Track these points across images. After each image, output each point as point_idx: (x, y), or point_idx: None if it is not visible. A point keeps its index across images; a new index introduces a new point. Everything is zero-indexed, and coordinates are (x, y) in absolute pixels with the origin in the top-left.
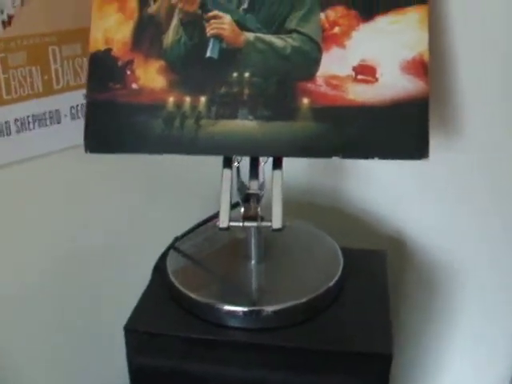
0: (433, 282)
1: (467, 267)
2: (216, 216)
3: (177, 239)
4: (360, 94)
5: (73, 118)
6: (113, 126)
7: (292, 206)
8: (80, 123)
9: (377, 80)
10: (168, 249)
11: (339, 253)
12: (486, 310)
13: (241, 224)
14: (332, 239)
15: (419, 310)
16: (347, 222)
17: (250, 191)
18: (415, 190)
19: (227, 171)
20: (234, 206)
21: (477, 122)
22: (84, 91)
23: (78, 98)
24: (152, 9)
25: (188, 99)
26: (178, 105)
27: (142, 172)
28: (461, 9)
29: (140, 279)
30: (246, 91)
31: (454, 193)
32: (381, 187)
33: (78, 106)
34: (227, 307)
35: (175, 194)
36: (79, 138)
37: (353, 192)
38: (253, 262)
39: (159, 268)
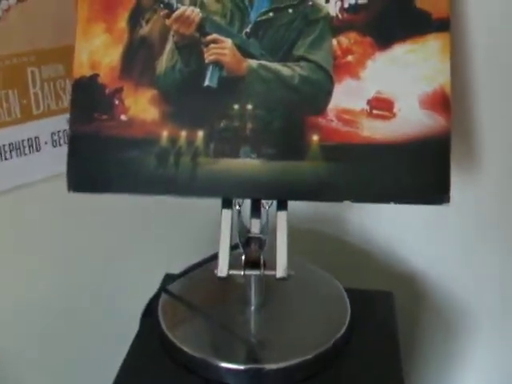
0: (448, 326)
1: (484, 308)
2: (214, 257)
3: (167, 280)
4: (376, 130)
5: (54, 145)
6: (98, 162)
7: (293, 237)
8: (62, 150)
9: (394, 115)
10: (158, 292)
11: (346, 299)
12: (503, 355)
13: (242, 273)
14: (336, 280)
15: (433, 355)
16: (352, 256)
17: (252, 234)
18: (428, 224)
19: (227, 212)
20: (232, 247)
21: (496, 157)
22: (67, 116)
23: (60, 123)
24: (144, 30)
25: (184, 134)
26: (173, 140)
27: (133, 202)
28: (485, 36)
29: (127, 326)
30: (249, 126)
31: (471, 230)
32: (390, 219)
33: (59, 132)
34: (225, 364)
35: (170, 225)
36: (61, 167)
37: (359, 223)
38: (252, 308)
39: (149, 313)
